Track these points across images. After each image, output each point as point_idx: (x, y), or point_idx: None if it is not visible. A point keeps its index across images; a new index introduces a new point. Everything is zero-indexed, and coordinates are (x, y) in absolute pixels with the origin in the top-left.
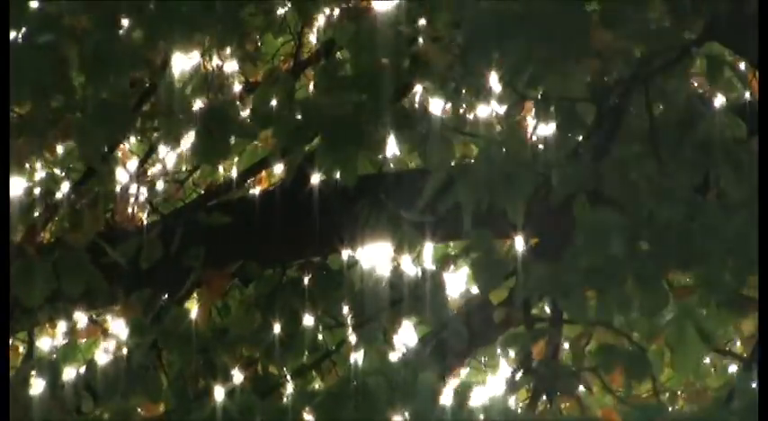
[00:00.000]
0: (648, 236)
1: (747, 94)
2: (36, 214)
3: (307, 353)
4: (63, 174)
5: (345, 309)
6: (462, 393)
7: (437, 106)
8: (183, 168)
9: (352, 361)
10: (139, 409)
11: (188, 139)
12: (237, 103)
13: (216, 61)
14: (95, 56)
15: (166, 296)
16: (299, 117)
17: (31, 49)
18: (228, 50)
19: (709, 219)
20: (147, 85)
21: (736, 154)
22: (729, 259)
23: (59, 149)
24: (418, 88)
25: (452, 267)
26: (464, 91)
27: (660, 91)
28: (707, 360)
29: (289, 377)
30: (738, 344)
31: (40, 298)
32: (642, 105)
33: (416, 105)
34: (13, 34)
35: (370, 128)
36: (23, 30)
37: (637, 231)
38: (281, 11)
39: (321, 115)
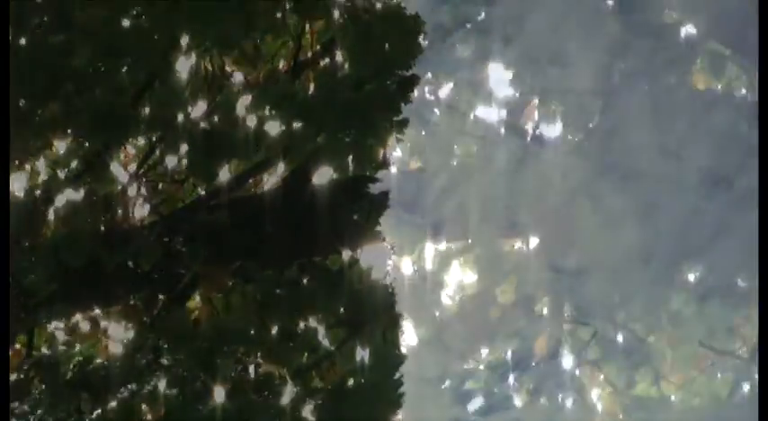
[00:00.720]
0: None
1: (745, 91)
2: (35, 213)
3: (306, 353)
4: (63, 174)
5: (344, 310)
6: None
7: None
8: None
9: (351, 361)
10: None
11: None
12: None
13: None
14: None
15: (166, 296)
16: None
17: (43, 49)
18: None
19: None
20: (144, 83)
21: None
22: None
23: (59, 149)
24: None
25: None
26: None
27: (665, 84)
28: (709, 364)
29: (288, 377)
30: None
31: (42, 285)
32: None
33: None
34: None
35: (377, 115)
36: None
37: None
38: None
39: (327, 105)
